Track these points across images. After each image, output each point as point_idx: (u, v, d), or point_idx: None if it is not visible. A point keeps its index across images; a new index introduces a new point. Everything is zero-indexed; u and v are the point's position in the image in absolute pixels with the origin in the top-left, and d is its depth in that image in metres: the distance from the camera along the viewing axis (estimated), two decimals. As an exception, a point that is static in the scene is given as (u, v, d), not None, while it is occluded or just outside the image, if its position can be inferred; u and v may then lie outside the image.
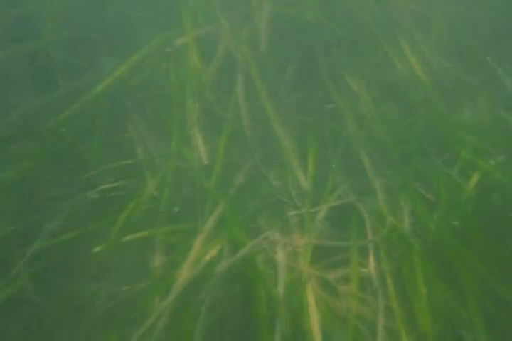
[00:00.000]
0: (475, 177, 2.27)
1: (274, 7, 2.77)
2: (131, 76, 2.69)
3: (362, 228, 2.12)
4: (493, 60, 2.78)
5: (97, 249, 2.01)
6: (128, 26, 2.82)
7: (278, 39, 2.75)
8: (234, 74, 2.61)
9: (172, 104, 2.53)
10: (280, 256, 1.79)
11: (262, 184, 2.30)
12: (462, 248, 2.02)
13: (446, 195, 2.24)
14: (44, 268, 2.12)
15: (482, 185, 2.25)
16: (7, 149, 2.45)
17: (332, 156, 2.47)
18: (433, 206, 2.25)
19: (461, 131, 2.51)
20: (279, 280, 1.73)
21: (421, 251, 1.97)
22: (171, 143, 2.43)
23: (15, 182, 2.36)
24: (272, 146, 2.51)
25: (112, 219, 2.12)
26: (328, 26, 2.77)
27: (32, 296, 2.05)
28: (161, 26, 2.74)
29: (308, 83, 2.78)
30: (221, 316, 1.74)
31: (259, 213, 2.15)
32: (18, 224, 2.22)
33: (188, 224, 2.08)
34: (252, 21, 2.74)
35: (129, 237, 2.04)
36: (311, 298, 1.73)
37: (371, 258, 1.93)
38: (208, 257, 1.84)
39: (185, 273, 1.77)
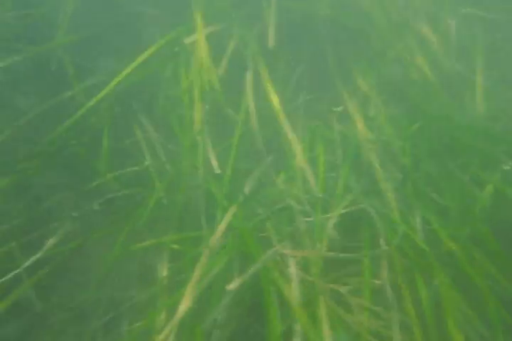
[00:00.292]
0: (490, 186, 2.17)
1: (284, 2, 2.66)
2: (138, 76, 2.60)
3: (374, 235, 2.03)
4: (505, 61, 2.69)
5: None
6: (138, 25, 2.72)
7: (288, 36, 2.65)
8: (243, 73, 2.50)
9: (180, 105, 2.44)
10: (292, 271, 1.69)
11: (271, 189, 2.21)
12: (478, 257, 1.93)
13: (459, 201, 2.15)
14: (48, 275, 2.04)
15: (496, 191, 2.16)
16: (13, 153, 2.37)
17: (342, 161, 2.37)
18: (446, 212, 2.17)
19: (473, 134, 2.41)
20: (293, 295, 1.64)
21: (435, 261, 1.88)
22: (179, 147, 2.35)
23: (20, 188, 2.28)
24: (279, 149, 2.43)
25: (118, 227, 2.04)
26: (339, 24, 2.67)
27: (35, 304, 1.98)
28: (172, 24, 2.63)
29: (317, 83, 2.68)
30: (232, 333, 1.66)
31: (268, 220, 2.06)
32: (23, 231, 2.15)
33: (196, 232, 2.00)
34: (262, 18, 2.63)
35: (136, 246, 1.96)
36: (323, 312, 1.65)
37: (384, 268, 1.84)
38: (217, 269, 1.75)
39: (192, 286, 1.68)
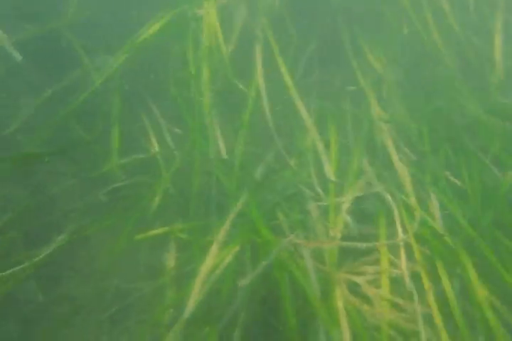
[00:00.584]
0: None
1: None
2: (142, 57, 2.45)
3: (391, 221, 1.90)
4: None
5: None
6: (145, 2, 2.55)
7: (299, 12, 2.47)
8: (252, 51, 2.32)
9: (189, 86, 2.28)
10: (308, 262, 1.57)
11: (283, 174, 2.08)
12: (500, 243, 1.80)
13: (480, 185, 2.01)
14: (53, 266, 1.94)
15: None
16: (15, 140, 2.24)
17: (355, 143, 2.23)
18: (465, 196, 2.03)
19: (492, 115, 2.26)
20: (310, 288, 1.52)
21: (458, 248, 1.75)
22: (187, 131, 2.21)
23: (23, 175, 2.16)
24: (290, 133, 2.29)
25: (125, 216, 1.92)
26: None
27: (37, 295, 1.88)
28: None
29: (329, 62, 2.52)
30: (245, 327, 1.55)
31: (279, 207, 1.93)
32: (27, 219, 2.04)
33: (206, 220, 1.88)
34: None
35: (142, 235, 1.85)
36: (340, 305, 1.53)
37: (403, 257, 1.71)
38: (227, 260, 1.63)
39: (202, 279, 1.56)
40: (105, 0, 2.52)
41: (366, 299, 1.61)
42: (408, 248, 1.76)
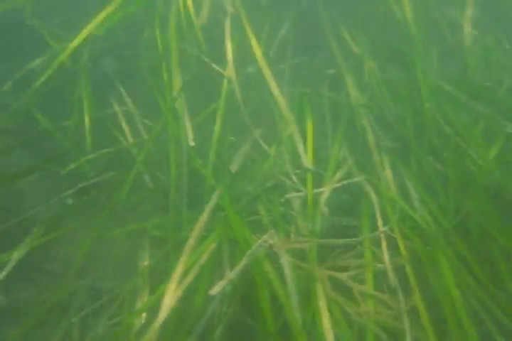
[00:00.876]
0: (493, 151, 1.94)
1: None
2: (111, 41, 2.29)
3: (373, 212, 1.80)
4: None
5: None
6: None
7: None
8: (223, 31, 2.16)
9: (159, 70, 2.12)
10: (284, 262, 1.46)
11: (262, 165, 1.95)
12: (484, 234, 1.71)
13: (458, 173, 1.91)
14: (24, 266, 1.80)
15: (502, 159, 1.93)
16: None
17: (334, 130, 2.12)
18: (447, 184, 1.94)
19: (475, 97, 2.16)
20: (287, 289, 1.41)
21: (438, 239, 1.66)
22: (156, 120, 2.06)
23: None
24: (266, 120, 2.16)
25: (97, 212, 1.78)
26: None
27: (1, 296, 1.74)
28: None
29: (307, 45, 2.39)
30: (223, 329, 1.44)
31: (259, 199, 1.81)
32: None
33: (185, 215, 1.75)
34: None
35: (116, 232, 1.72)
36: (322, 303, 1.44)
37: (385, 249, 1.62)
38: (204, 257, 1.51)
39: (176, 279, 1.45)
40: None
41: (350, 296, 1.52)
42: (392, 240, 1.67)
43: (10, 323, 1.70)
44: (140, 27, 2.31)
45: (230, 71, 2.02)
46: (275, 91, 2.06)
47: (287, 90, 2.21)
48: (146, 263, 1.67)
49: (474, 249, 1.71)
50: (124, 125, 2.18)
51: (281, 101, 2.03)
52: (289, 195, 1.87)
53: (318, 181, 1.94)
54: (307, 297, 1.47)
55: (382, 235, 1.67)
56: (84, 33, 2.08)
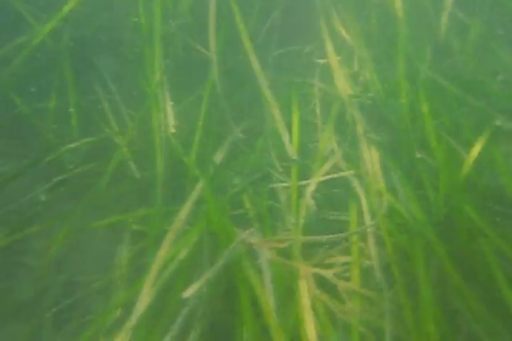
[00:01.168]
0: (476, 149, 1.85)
1: None
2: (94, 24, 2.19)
3: (359, 206, 1.72)
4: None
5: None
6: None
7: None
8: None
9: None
10: (264, 261, 1.37)
11: (247, 156, 1.86)
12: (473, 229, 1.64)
13: (448, 169, 1.83)
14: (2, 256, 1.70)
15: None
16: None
17: (323, 121, 2.02)
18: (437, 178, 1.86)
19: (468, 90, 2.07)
20: (267, 290, 1.33)
21: (425, 233, 1.58)
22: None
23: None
24: (254, 111, 2.06)
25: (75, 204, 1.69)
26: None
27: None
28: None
29: (296, 35, 2.28)
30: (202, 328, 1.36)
31: (245, 192, 1.73)
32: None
33: (164, 207, 1.66)
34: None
35: (96, 224, 1.63)
36: (306, 301, 1.36)
37: (371, 245, 1.54)
38: (184, 252, 1.43)
39: (153, 276, 1.36)
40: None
41: (335, 293, 1.44)
42: (379, 236, 1.60)
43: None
44: (125, 10, 2.21)
45: (212, 58, 1.92)
46: (261, 80, 1.97)
47: (276, 79, 2.13)
48: (124, 257, 1.58)
49: (462, 245, 1.64)
50: (107, 112, 2.08)
51: (267, 91, 1.94)
52: (274, 185, 1.78)
53: (308, 175, 1.85)
54: (291, 295, 1.39)
55: (369, 230, 1.59)
56: (65, 10, 1.97)
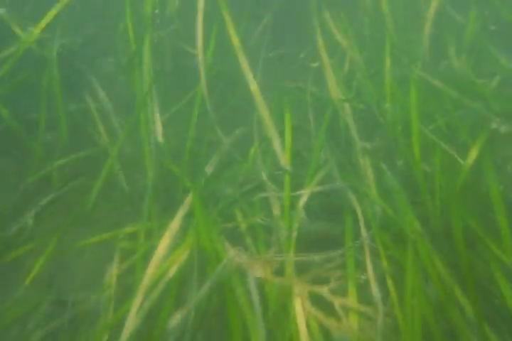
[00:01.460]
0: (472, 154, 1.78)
1: None
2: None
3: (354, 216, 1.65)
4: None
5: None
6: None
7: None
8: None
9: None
10: (252, 281, 1.30)
11: (239, 166, 1.79)
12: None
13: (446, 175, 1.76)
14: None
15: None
16: None
17: (315, 129, 1.95)
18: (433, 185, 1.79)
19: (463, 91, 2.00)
20: (256, 311, 1.26)
21: (422, 245, 1.51)
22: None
23: None
24: (246, 118, 1.99)
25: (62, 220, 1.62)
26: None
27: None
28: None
29: (288, 38, 2.21)
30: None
31: (237, 203, 1.66)
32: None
33: (154, 221, 1.59)
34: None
35: (83, 242, 1.56)
36: (301, 320, 1.30)
37: (368, 260, 1.47)
38: (171, 272, 1.36)
39: (141, 295, 1.30)
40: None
41: (331, 309, 1.38)
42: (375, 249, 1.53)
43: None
44: (115, 18, 2.14)
45: (200, 64, 1.84)
46: (252, 85, 1.90)
47: (267, 84, 2.05)
48: (113, 275, 1.51)
49: (460, 254, 1.57)
50: (98, 122, 2.02)
51: (259, 97, 1.86)
52: (267, 195, 1.71)
53: (302, 183, 1.78)
54: (285, 313, 1.33)
55: (365, 242, 1.52)
56: (49, 15, 1.90)
